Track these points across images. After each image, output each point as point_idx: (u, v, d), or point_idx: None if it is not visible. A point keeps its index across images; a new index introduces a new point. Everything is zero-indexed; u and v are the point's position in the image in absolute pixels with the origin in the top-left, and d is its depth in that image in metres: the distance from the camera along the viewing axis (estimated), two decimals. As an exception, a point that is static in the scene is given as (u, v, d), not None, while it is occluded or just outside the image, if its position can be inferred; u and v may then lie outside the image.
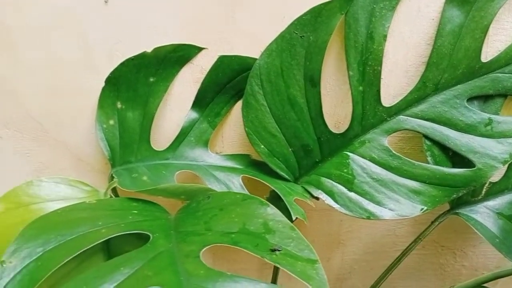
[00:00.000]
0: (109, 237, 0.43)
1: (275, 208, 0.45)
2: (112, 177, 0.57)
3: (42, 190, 0.49)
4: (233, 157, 0.59)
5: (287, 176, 0.58)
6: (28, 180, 0.50)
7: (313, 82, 0.55)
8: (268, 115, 0.55)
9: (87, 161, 0.62)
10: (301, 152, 0.57)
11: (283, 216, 0.44)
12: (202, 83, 0.57)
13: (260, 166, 0.60)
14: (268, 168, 0.59)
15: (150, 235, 0.44)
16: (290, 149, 0.57)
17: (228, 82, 0.57)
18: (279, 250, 0.41)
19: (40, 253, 0.42)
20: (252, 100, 0.55)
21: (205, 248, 0.41)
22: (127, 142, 0.57)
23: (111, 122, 0.57)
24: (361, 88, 0.55)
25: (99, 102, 0.56)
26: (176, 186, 0.49)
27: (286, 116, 0.56)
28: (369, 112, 0.56)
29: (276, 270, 0.64)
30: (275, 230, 0.43)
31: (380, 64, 0.54)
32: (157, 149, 0.58)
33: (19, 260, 0.41)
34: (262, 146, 0.56)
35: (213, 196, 0.49)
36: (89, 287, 0.37)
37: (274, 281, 0.65)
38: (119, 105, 0.56)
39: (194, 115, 0.58)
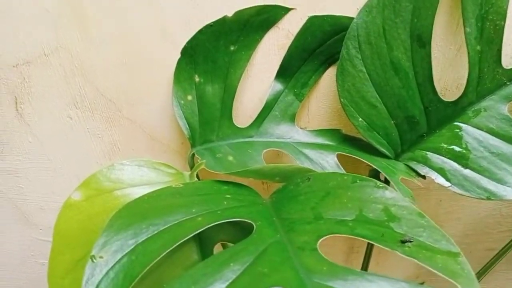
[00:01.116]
0: (207, 226, 0.38)
1: (395, 191, 0.39)
2: (192, 158, 0.52)
3: (125, 174, 0.45)
4: (323, 132, 0.53)
5: (387, 153, 0.51)
6: (108, 164, 0.45)
7: (421, 42, 0.47)
8: (368, 82, 0.48)
9: (162, 141, 0.57)
10: (405, 125, 0.50)
11: (406, 200, 0.38)
12: (289, 50, 0.50)
13: (353, 142, 0.53)
14: (363, 144, 0.53)
15: (253, 223, 0.38)
16: (392, 122, 0.50)
17: (318, 46, 0.50)
18: (410, 241, 0.34)
19: (133, 246, 0.37)
20: (349, 66, 0.48)
21: (321, 240, 0.36)
22: (207, 119, 0.52)
23: (189, 97, 0.51)
24: (478, 47, 0.47)
25: (175, 76, 0.51)
26: (271, 167, 0.43)
27: (389, 83, 0.48)
28: (486, 75, 0.48)
29: (368, 255, 0.58)
30: (400, 217, 0.36)
31: (504, 18, 0.46)
32: (239, 126, 0.52)
33: (110, 254, 0.37)
34: (360, 119, 0.49)
35: (315, 178, 0.43)
36: (198, 287, 0.32)
37: (365, 267, 0.59)
38: (197, 79, 0.51)
39: (278, 86, 0.52)
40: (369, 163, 0.49)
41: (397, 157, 0.52)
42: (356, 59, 0.47)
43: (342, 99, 0.48)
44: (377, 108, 0.49)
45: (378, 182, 0.39)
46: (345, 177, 0.41)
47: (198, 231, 0.37)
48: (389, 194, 0.38)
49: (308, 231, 0.37)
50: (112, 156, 0.58)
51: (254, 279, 0.32)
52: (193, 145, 0.52)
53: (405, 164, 0.51)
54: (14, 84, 0.54)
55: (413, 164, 0.51)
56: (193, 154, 0.52)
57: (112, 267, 0.36)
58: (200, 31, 0.49)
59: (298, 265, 0.33)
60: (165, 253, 0.36)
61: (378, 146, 0.50)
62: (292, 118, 0.52)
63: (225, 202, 0.42)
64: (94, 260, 0.36)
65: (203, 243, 0.45)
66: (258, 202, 0.43)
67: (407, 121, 0.50)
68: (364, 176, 0.40)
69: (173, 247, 0.36)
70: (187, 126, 0.51)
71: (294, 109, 0.52)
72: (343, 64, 0.48)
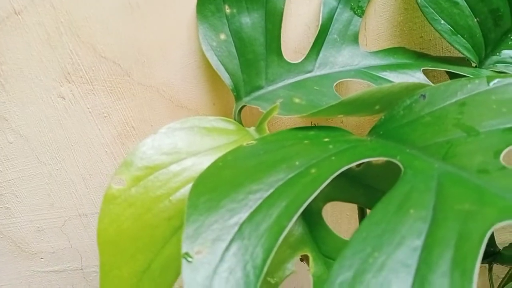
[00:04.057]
0: (331, 177, 0.27)
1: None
2: (240, 113, 0.40)
3: (179, 142, 0.32)
4: (392, 52, 0.43)
5: (473, 59, 0.42)
6: (150, 136, 0.32)
7: None
8: (445, -26, 0.39)
9: (188, 107, 0.45)
10: (489, 22, 0.41)
11: None
12: (340, -49, 0.40)
13: (426, 57, 0.44)
14: (436, 57, 0.44)
15: (393, 160, 0.28)
16: (475, 20, 0.41)
17: None
18: None
19: (237, 227, 0.26)
20: (422, -44, 0.38)
21: (503, 155, 0.26)
22: (250, 60, 0.40)
23: (222, 36, 0.39)
24: None
25: (198, 12, 0.38)
26: (372, 92, 0.33)
27: (469, -30, 0.39)
28: None
29: None
30: None
31: None
32: (292, 62, 0.41)
33: (210, 246, 0.25)
34: (443, 22, 0.40)
35: (432, 93, 0.33)
36: (382, 251, 0.21)
37: None
38: (228, 10, 0.39)
39: (330, 2, 0.41)
40: (458, 73, 0.40)
41: (480, 64, 0.43)
42: None
43: (419, 0, 0.39)
44: (458, 5, 0.40)
45: (524, 76, 0.30)
46: (476, 81, 0.31)
47: (323, 185, 0.26)
48: (547, 84, 0.29)
49: (475, 151, 0.27)
50: (125, 139, 0.45)
51: (459, 221, 0.22)
52: (238, 98, 0.40)
53: (492, 70, 0.43)
54: (-25, 65, 0.39)
55: (503, 67, 0.42)
56: (241, 109, 0.40)
57: (221, 262, 0.24)
58: None
59: (499, 191, 0.23)
60: (290, 224, 0.25)
61: (464, 52, 0.41)
62: (355, 39, 0.42)
63: (330, 146, 0.31)
64: (190, 260, 0.24)
65: (306, 211, 0.34)
66: (365, 140, 0.33)
67: (491, 16, 0.41)
68: (496, 72, 0.31)
69: (298, 213, 0.25)
70: (227, 74, 0.39)
71: (355, 27, 0.42)
72: (414, -46, 0.38)
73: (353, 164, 0.28)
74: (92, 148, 0.45)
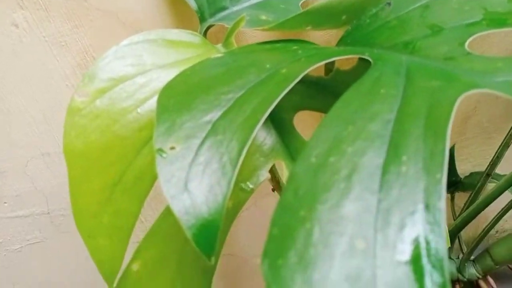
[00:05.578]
0: (301, 76, 0.27)
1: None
2: (205, 35, 0.40)
3: (143, 54, 0.31)
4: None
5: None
6: (113, 48, 0.31)
7: None
8: None
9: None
10: None
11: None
12: None
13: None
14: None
15: (361, 56, 0.28)
16: None
17: None
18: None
19: (210, 125, 0.26)
20: None
21: (467, 43, 0.26)
22: (213, -20, 0.39)
23: (183, -46, 0.38)
24: None
25: None
26: (337, 1, 0.32)
27: None
28: None
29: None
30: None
31: None
32: (255, -18, 0.40)
33: (183, 142, 0.25)
34: None
35: (395, 0, 0.33)
36: (356, 125, 0.21)
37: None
38: None
39: None
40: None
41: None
42: None
43: None
44: None
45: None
46: (439, -17, 0.32)
47: (294, 82, 0.26)
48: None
49: (440, 43, 0.28)
50: (84, 69, 0.43)
51: (428, 95, 0.22)
52: (202, 19, 0.39)
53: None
54: None
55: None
56: (206, 31, 0.39)
57: (196, 156, 0.24)
58: None
59: (464, 72, 0.24)
60: (263, 118, 0.25)
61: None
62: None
63: (299, 52, 0.31)
64: (164, 155, 0.24)
65: (277, 121, 0.34)
66: (330, 47, 0.33)
67: None
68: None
69: (271, 108, 0.25)
70: (191, -5, 0.38)
71: None
72: None
73: (323, 63, 0.28)
74: (51, 80, 0.43)
